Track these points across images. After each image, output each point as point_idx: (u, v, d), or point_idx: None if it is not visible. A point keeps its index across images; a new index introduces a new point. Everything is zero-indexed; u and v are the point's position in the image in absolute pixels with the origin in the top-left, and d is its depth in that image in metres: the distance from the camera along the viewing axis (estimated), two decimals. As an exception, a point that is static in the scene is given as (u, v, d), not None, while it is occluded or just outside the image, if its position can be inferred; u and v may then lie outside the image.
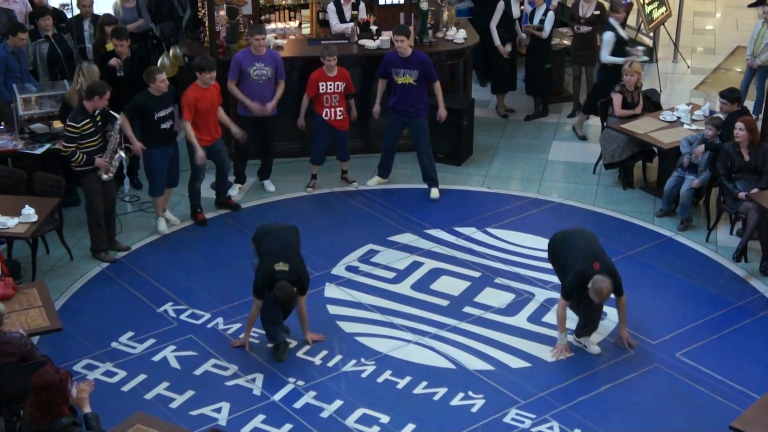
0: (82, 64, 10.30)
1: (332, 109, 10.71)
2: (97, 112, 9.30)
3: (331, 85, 10.63)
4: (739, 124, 9.66)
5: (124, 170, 11.12)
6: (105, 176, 9.42)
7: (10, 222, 8.93)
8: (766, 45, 12.04)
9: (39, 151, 10.08)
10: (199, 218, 10.42)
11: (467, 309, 9.00)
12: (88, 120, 9.22)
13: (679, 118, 11.09)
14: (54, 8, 12.05)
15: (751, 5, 16.86)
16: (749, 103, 12.12)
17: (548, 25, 12.42)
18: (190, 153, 10.11)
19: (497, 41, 12.51)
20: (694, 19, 16.40)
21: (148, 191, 10.32)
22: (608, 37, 11.72)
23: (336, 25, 12.07)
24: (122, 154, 9.56)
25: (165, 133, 9.85)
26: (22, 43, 10.69)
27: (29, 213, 8.99)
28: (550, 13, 12.43)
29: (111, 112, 9.42)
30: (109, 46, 10.76)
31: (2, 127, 10.52)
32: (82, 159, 9.27)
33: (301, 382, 8.02)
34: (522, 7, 12.58)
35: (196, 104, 9.86)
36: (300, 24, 12.73)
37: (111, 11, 12.35)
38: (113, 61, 10.47)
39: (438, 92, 10.77)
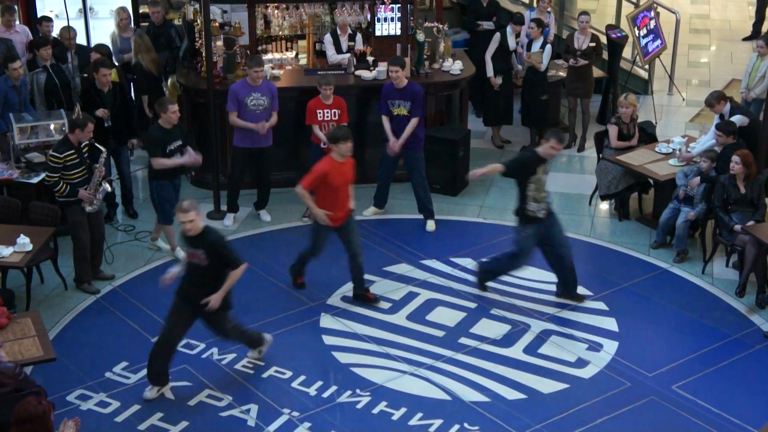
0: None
1: None
2: (83, 144, 9.33)
3: (327, 112, 10.67)
4: (735, 158, 9.67)
5: (117, 199, 11.13)
6: (89, 208, 9.43)
7: (5, 251, 8.92)
8: (760, 78, 12.10)
9: (35, 180, 10.08)
10: (298, 281, 9.74)
11: (463, 340, 8.96)
12: (72, 151, 9.25)
13: (674, 150, 11.12)
14: (54, 38, 12.10)
15: (745, 39, 16.98)
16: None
17: (546, 58, 12.47)
18: (314, 229, 9.37)
19: (490, 72, 12.57)
20: (689, 52, 16.49)
21: (159, 220, 10.23)
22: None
23: (332, 55, 12.13)
24: (107, 187, 9.56)
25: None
26: (16, 73, 10.68)
27: (24, 242, 8.97)
28: (548, 47, 12.50)
29: (96, 145, 9.45)
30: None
31: (-2, 156, 10.54)
32: (65, 189, 9.28)
33: (296, 413, 7.98)
34: (518, 39, 12.63)
35: (325, 178, 9.00)
36: (297, 54, 12.78)
37: (109, 41, 12.41)
38: (100, 112, 10.46)
39: (410, 127, 10.62)
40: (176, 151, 9.83)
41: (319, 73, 11.59)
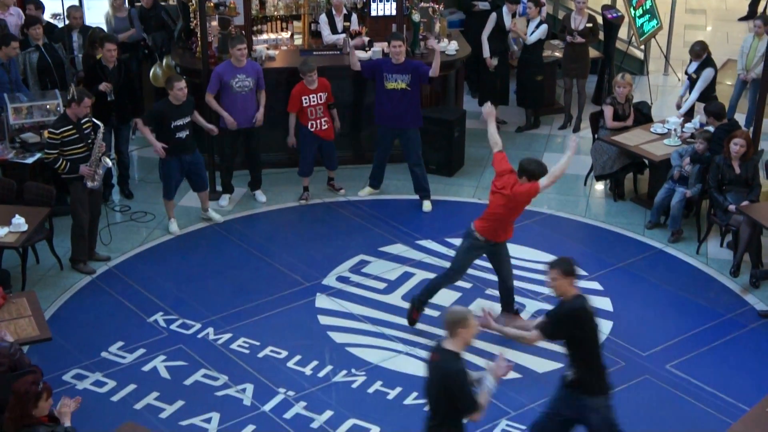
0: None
1: (317, 120, 10.73)
2: (83, 120, 9.30)
3: (314, 97, 10.66)
4: (739, 141, 9.64)
5: (113, 180, 11.12)
6: (90, 184, 9.42)
7: (0, 231, 8.91)
8: (759, 58, 12.05)
9: (29, 160, 10.07)
10: (414, 317, 8.83)
11: (458, 320, 8.97)
12: (70, 127, 9.22)
13: (669, 130, 11.11)
14: (48, 22, 12.08)
15: (741, 18, 16.96)
16: (740, 116, 12.18)
17: (536, 35, 12.45)
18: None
19: (486, 53, 12.54)
20: (684, 32, 16.46)
21: (162, 194, 10.35)
22: (709, 74, 11.51)
23: (328, 36, 12.09)
24: (107, 162, 9.55)
25: (180, 141, 9.91)
26: (14, 53, 10.68)
27: (19, 222, 8.97)
28: (543, 26, 12.47)
29: (95, 120, 9.43)
30: (99, 55, 10.79)
31: (-7, 136, 10.52)
32: (65, 166, 9.27)
33: (291, 393, 8.00)
34: (514, 20, 12.60)
35: None
36: (292, 35, 12.74)
37: (103, 20, 12.38)
38: (103, 86, 10.45)
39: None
40: (184, 127, 9.88)
41: (314, 53, 11.50)
